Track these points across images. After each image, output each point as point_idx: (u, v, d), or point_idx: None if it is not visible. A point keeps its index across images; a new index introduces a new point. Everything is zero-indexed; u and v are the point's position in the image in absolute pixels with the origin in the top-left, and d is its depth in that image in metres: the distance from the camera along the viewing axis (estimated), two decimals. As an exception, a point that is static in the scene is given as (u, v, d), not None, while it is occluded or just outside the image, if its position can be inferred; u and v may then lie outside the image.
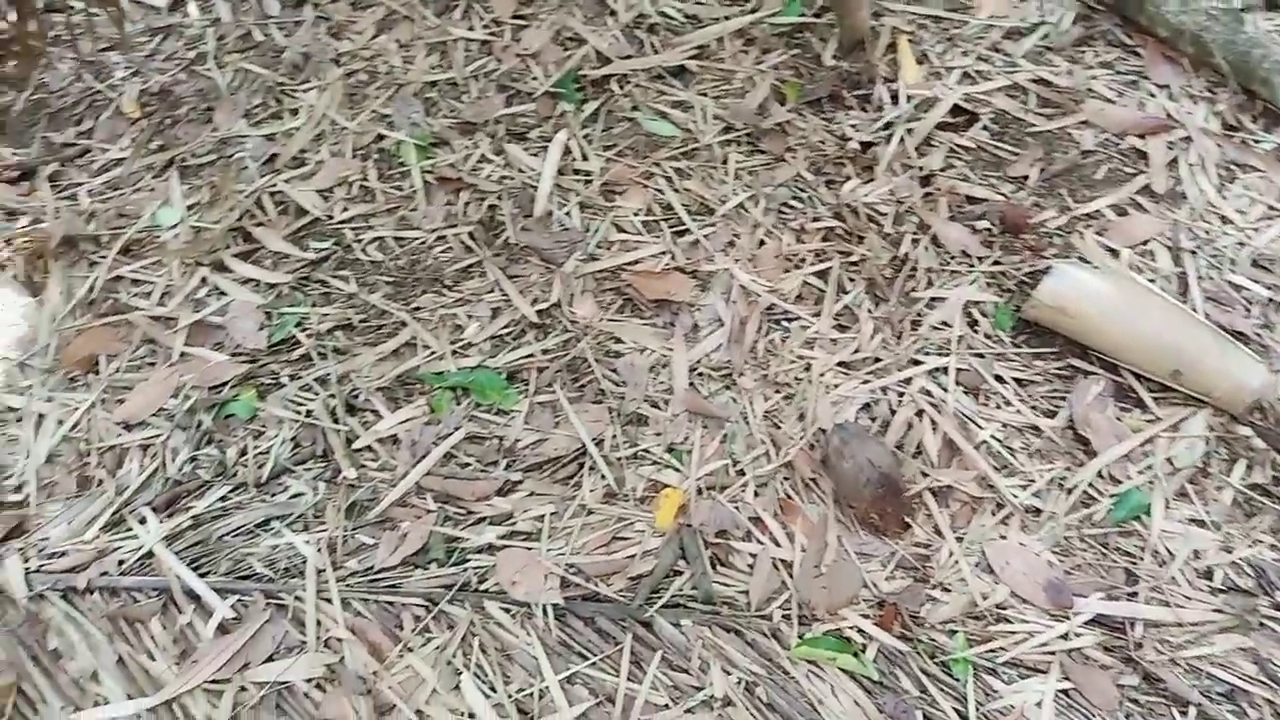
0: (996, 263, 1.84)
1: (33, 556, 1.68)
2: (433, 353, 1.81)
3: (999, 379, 1.73)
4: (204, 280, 1.94)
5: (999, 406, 1.71)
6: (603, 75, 2.14)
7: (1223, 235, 1.84)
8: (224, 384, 1.80)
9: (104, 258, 1.98)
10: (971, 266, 1.83)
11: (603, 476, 1.66)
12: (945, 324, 1.77)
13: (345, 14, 2.33)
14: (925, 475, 1.62)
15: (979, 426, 1.68)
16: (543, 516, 1.63)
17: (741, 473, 1.65)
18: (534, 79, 2.16)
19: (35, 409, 1.83)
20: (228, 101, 2.20)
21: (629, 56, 2.17)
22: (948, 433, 1.66)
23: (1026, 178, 1.93)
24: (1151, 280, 1.79)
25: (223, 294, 1.92)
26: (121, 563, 1.66)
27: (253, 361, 1.83)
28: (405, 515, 1.65)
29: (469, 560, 1.60)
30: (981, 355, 1.75)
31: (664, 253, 1.90)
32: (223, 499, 1.71)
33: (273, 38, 2.32)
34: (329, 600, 1.57)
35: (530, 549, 1.59)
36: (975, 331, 1.77)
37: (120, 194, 2.09)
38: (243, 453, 1.74)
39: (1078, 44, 2.12)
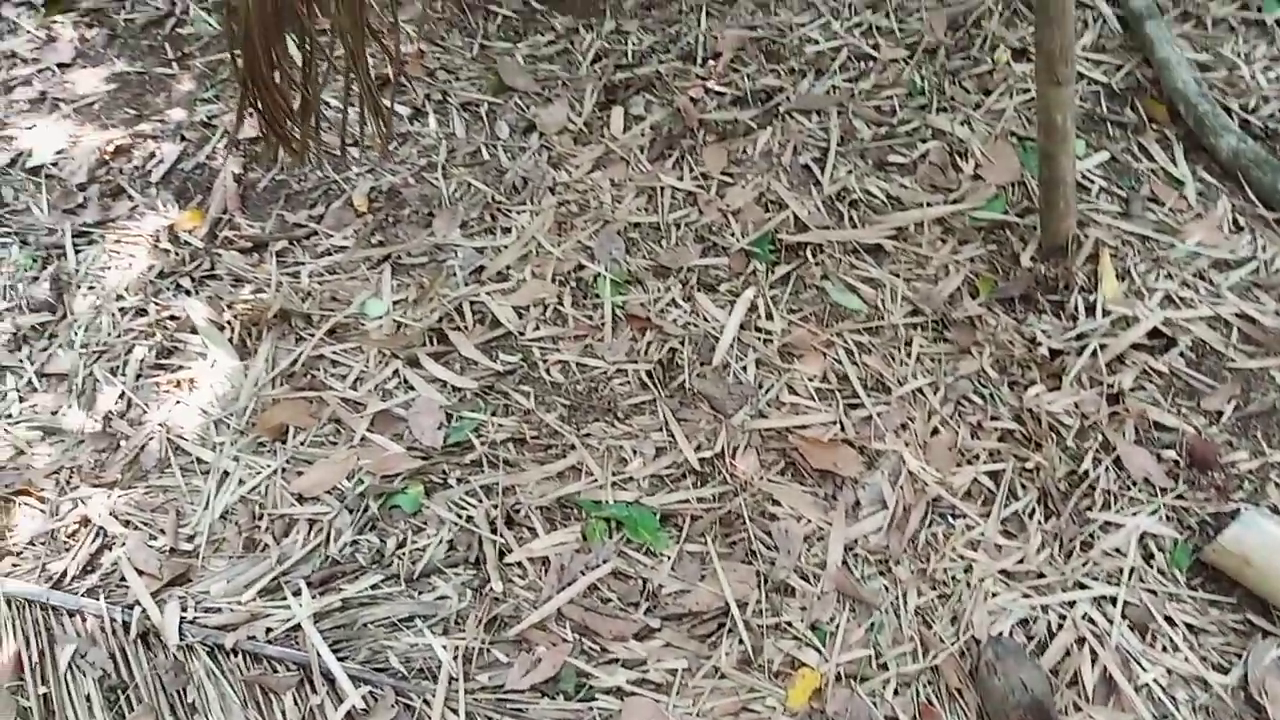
0: (1180, 496, 1.77)
1: (190, 607, 1.78)
2: (594, 480, 1.86)
3: (1169, 620, 1.65)
4: (396, 372, 2.06)
5: (1166, 650, 1.62)
6: (799, 241, 2.21)
7: None
8: (396, 475, 1.89)
9: (311, 335, 2.14)
10: (1153, 496, 1.77)
11: (741, 641, 1.65)
12: (1119, 551, 1.71)
13: (567, 147, 2.49)
14: (1079, 709, 1.54)
15: (1142, 668, 1.60)
16: (676, 670, 1.62)
17: (884, 666, 1.61)
18: (732, 235, 2.25)
19: (222, 465, 1.96)
20: (448, 210, 2.37)
21: (827, 227, 2.24)
22: (1108, 667, 1.58)
23: (1221, 414, 1.87)
24: (1350, 546, 1.68)
25: (411, 388, 2.03)
26: (269, 630, 1.73)
27: (426, 458, 1.91)
28: (542, 639, 1.67)
29: (596, 699, 1.60)
30: (1154, 592, 1.67)
31: (834, 423, 1.91)
32: (374, 587, 1.77)
33: (498, 158, 2.50)
34: (455, 711, 1.60)
35: (659, 701, 1.59)
36: (1149, 565, 1.70)
37: (337, 279, 2.26)
38: (400, 544, 1.82)
39: (1290, 285, 2.07)
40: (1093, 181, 2.31)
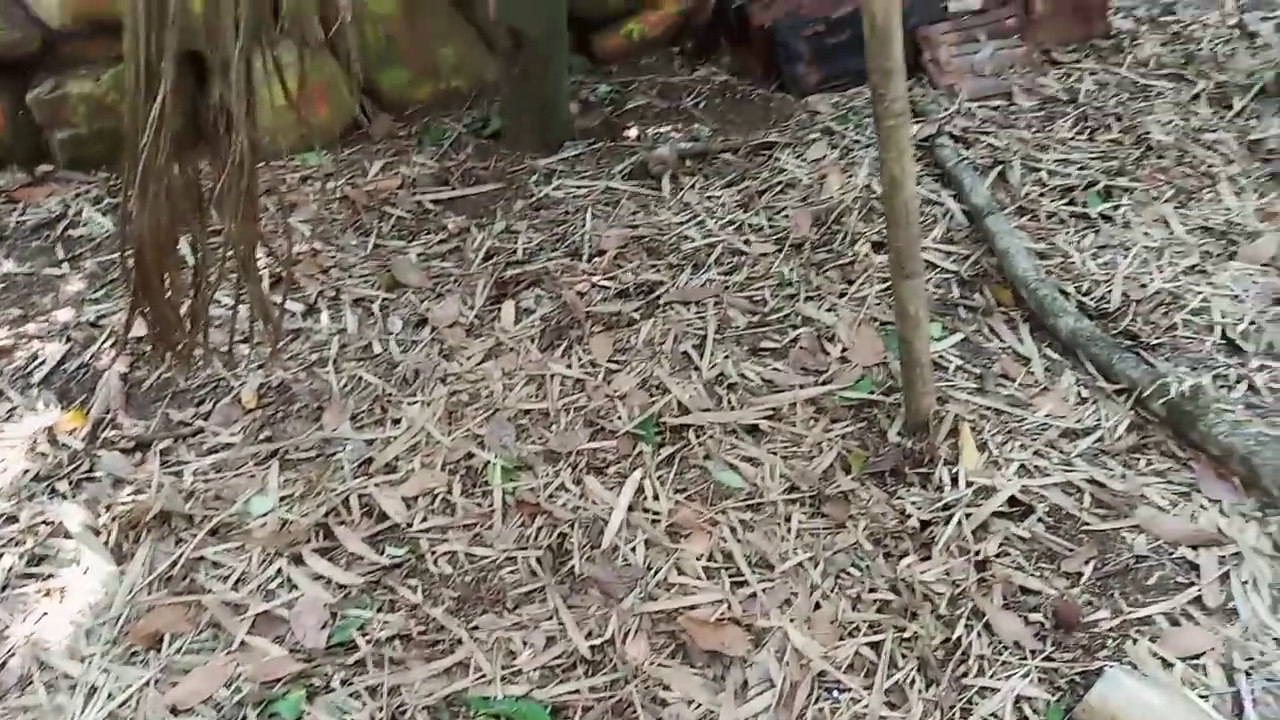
0: (1049, 658, 1.84)
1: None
2: (483, 676, 1.83)
3: (1052, 785, 1.68)
4: (279, 571, 2.03)
5: (1052, 816, 1.65)
6: (681, 423, 2.31)
7: (1278, 659, 1.83)
8: (276, 680, 1.83)
9: (193, 536, 2.10)
10: (1024, 659, 1.84)
11: (635, 835, 1.61)
12: (996, 716, 1.76)
13: (459, 339, 2.58)
14: None
15: (1030, 837, 1.61)
16: None
17: None
18: (619, 418, 2.34)
19: (91, 679, 1.87)
20: (338, 404, 2.40)
21: (707, 409, 2.35)
22: (997, 839, 1.59)
23: (1080, 575, 1.98)
24: (1204, 697, 1.77)
25: (294, 587, 2.00)
26: None
27: (309, 661, 1.87)
28: None
29: None
30: (1034, 757, 1.71)
31: (721, 602, 1.95)
32: (250, 802, 1.69)
33: (390, 352, 2.57)
34: None
35: None
36: (1027, 729, 1.75)
37: (222, 477, 2.25)
38: (280, 754, 1.74)
39: (1132, 451, 2.24)
40: (950, 361, 2.50)
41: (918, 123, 3.51)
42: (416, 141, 3.58)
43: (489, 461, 2.22)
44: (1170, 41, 4.19)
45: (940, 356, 2.50)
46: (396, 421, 2.35)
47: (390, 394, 2.43)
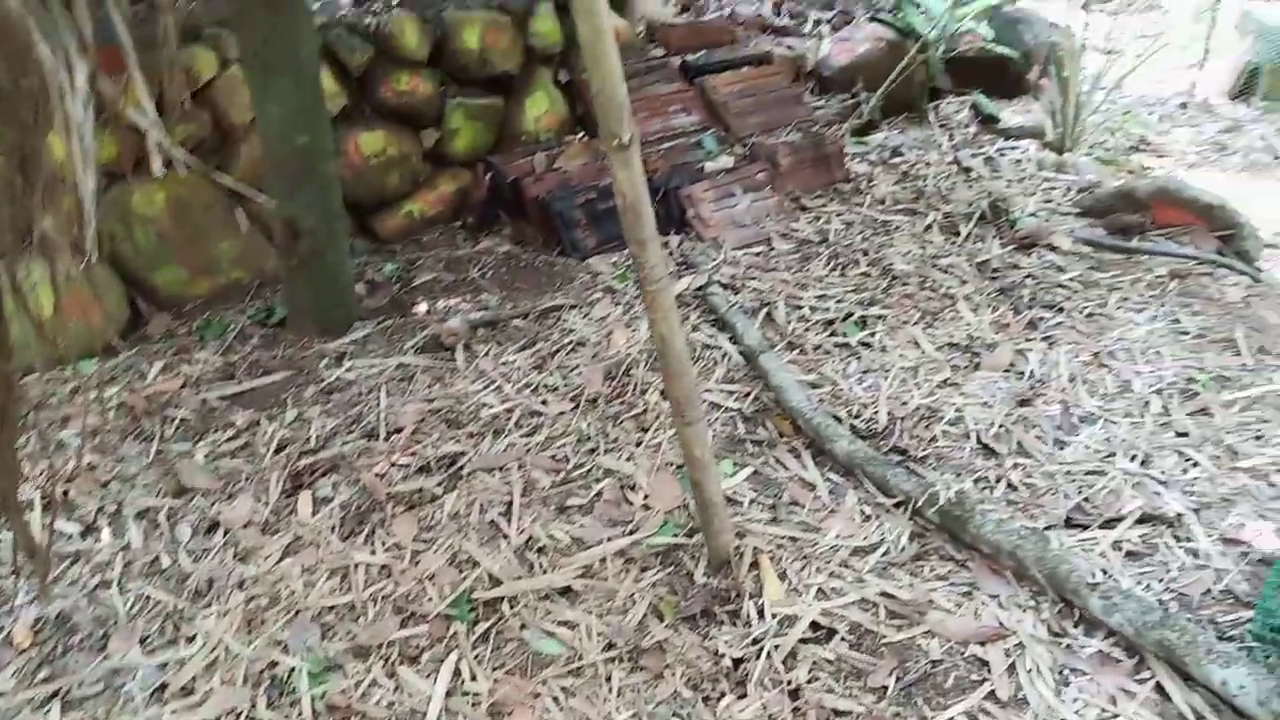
0: (870, 775, 1.92)
1: None
2: None
3: None
4: (66, 828, 1.84)
5: None
6: (494, 596, 2.30)
7: (1070, 740, 1.98)
8: None
9: (-41, 805, 1.88)
10: (847, 781, 1.91)
11: None
12: (828, 845, 1.80)
13: (254, 540, 2.49)
14: None
15: None
16: None
17: None
18: (429, 600, 2.31)
19: None
20: (125, 628, 2.25)
21: (519, 577, 2.36)
22: None
23: (886, 688, 2.09)
24: (1014, 789, 1.89)
25: (84, 843, 1.82)
26: None
27: None
28: None
29: None
30: None
31: (551, 776, 1.92)
32: None
33: (180, 563, 2.44)
34: None
35: None
36: None
37: (-8, 731, 2.04)
38: None
39: (915, 559, 2.42)
40: (744, 495, 2.63)
41: (690, 273, 3.77)
42: (198, 338, 3.50)
43: (294, 668, 2.13)
44: (901, 180, 4.74)
45: (734, 492, 2.64)
46: (191, 639, 2.22)
47: (182, 609, 2.30)
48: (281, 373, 3.26)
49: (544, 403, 3.05)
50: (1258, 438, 2.83)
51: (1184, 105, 7.34)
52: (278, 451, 2.85)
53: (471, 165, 4.43)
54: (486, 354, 3.33)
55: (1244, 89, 7.40)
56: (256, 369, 3.29)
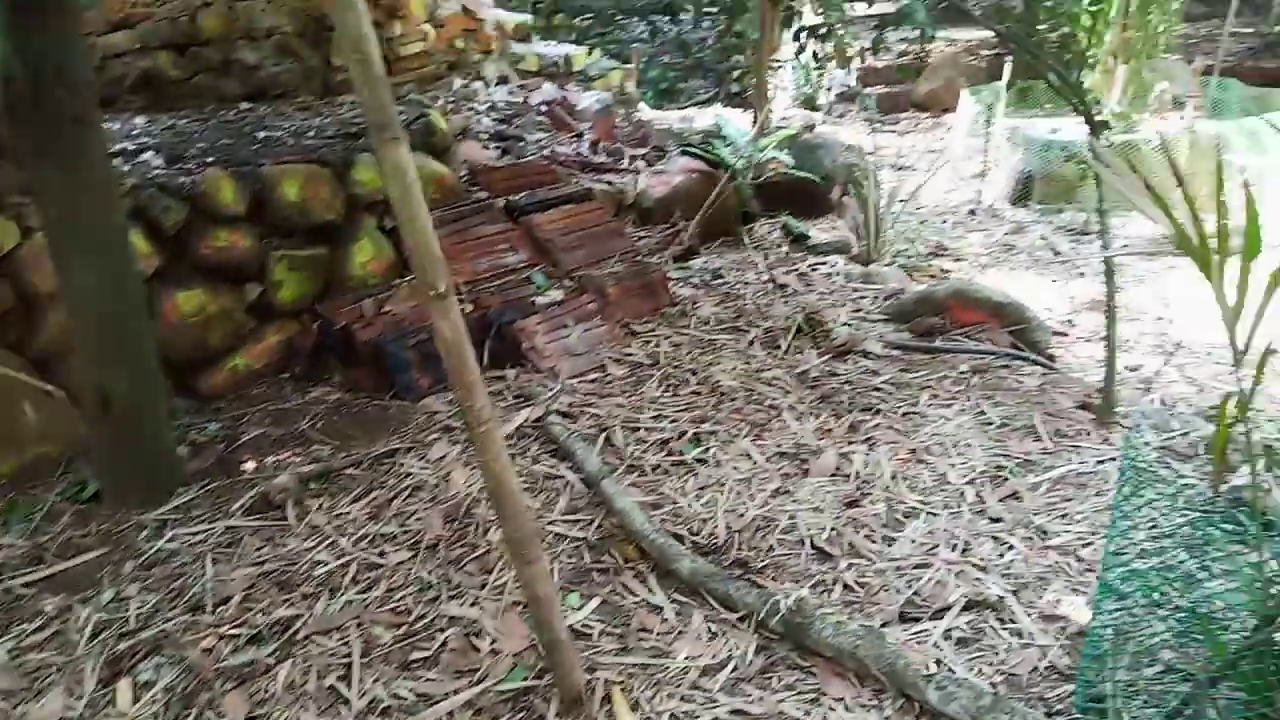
0: None
1: None
2: None
3: None
4: None
5: None
6: (336, 767, 2.19)
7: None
8: None
9: None
10: None
11: None
12: None
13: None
14: None
15: None
16: None
17: None
18: (265, 782, 2.17)
19: None
20: None
21: (362, 743, 2.25)
22: None
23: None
24: None
25: None
26: None
27: None
28: None
29: None
30: None
31: None
32: None
33: (-24, 779, 2.21)
34: None
35: None
36: None
37: None
38: None
39: (763, 672, 2.46)
40: (593, 627, 2.62)
41: (528, 405, 3.81)
42: (1, 521, 3.25)
43: None
44: (723, 301, 4.97)
45: (583, 624, 2.62)
46: None
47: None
48: (96, 550, 3.05)
49: (382, 554, 2.97)
50: (1063, 516, 3.05)
51: (973, 212, 8.07)
52: (93, 637, 2.65)
53: (298, 315, 4.37)
54: (319, 508, 3.24)
55: (1021, 194, 8.21)
56: (68, 549, 3.07)
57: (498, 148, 5.78)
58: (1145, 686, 2.25)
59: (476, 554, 2.94)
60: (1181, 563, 2.22)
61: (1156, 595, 2.25)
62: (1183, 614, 2.26)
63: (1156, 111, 8.20)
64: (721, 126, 6.22)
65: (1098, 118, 3.44)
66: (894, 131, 10.86)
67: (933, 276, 6.21)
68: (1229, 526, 2.15)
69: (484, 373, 4.07)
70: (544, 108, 6.55)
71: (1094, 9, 7.66)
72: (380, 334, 4.06)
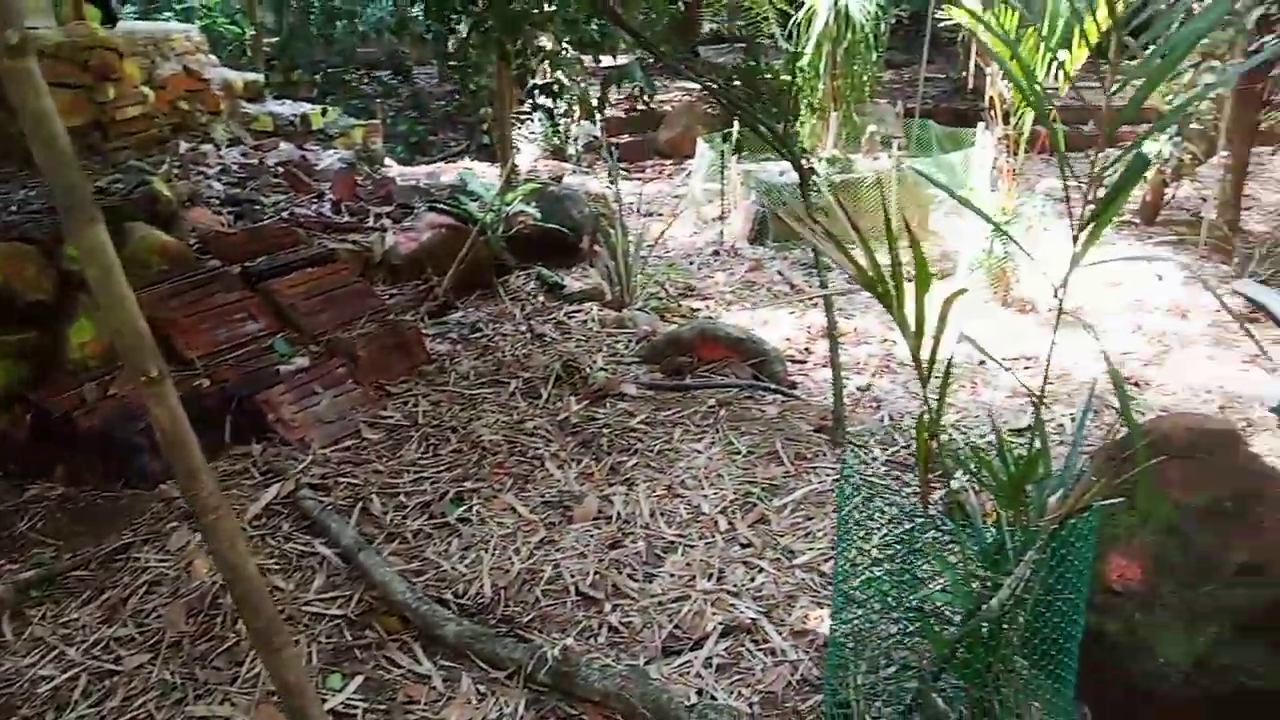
0: None
1: None
2: None
3: None
4: None
5: None
6: None
7: None
8: None
9: None
10: None
11: None
12: None
13: None
14: None
15: None
16: None
17: None
18: None
19: None
20: None
21: None
22: None
23: None
24: None
25: None
26: None
27: None
28: None
29: None
30: None
31: None
32: None
33: None
34: None
35: None
36: None
37: None
38: None
39: (534, 727, 2.46)
40: (355, 707, 2.53)
41: (277, 481, 3.63)
42: None
43: None
44: (481, 354, 4.97)
45: (345, 705, 2.53)
46: None
47: None
48: None
49: (117, 659, 2.73)
50: (806, 535, 3.27)
51: (716, 253, 8.54)
52: None
53: (9, 406, 3.96)
54: (42, 618, 2.93)
55: (759, 233, 8.77)
56: None
57: (231, 212, 5.52)
58: (884, 687, 2.46)
59: (225, 647, 2.76)
60: (907, 568, 2.44)
61: (889, 600, 2.47)
62: (910, 615, 2.49)
63: (868, 151, 9.04)
64: (467, 182, 6.26)
65: (815, 161, 3.77)
66: (640, 179, 11.31)
67: (683, 317, 6.50)
68: (941, 531, 2.40)
69: (228, 450, 3.88)
70: (281, 169, 6.33)
71: (805, 64, 8.37)
72: (105, 419, 3.75)
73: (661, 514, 3.41)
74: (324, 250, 5.22)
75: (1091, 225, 2.14)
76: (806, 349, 6.17)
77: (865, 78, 8.84)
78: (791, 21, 8.48)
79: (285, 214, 5.61)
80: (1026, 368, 5.59)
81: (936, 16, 7.32)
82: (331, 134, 7.69)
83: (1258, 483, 2.46)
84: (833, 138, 8.70)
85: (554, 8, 5.06)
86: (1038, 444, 2.22)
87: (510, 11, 4.91)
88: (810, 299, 6.93)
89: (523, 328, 5.32)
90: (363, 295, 5.01)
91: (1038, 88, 2.77)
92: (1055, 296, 2.14)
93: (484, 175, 8.06)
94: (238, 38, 12.18)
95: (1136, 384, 5.55)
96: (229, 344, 4.35)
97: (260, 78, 8.18)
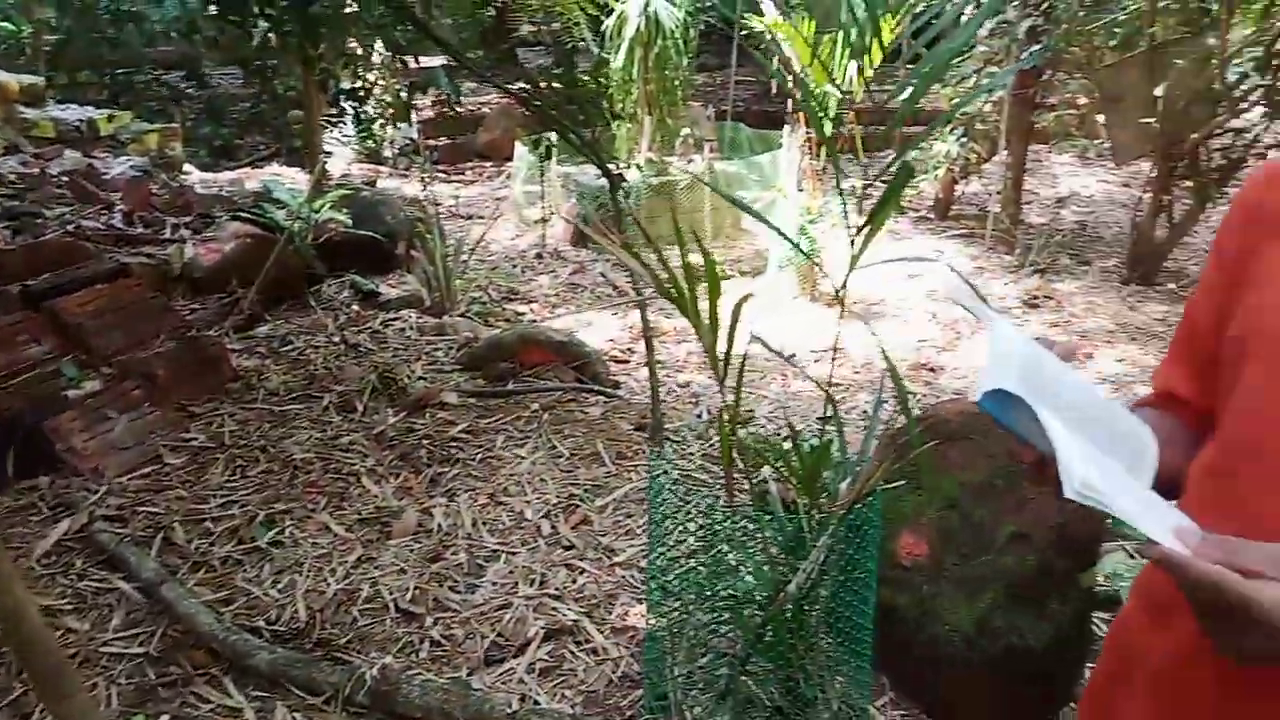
0: None
1: None
2: None
3: None
4: None
5: None
6: None
7: None
8: None
9: None
10: None
11: None
12: None
13: None
14: None
15: None
16: None
17: None
18: None
19: None
20: None
21: None
22: None
23: None
24: None
25: None
26: None
27: None
28: None
29: None
30: None
31: None
32: None
33: None
34: None
35: None
36: None
37: None
38: None
39: (353, 750, 2.42)
40: (157, 749, 2.41)
41: (68, 515, 3.40)
42: None
43: None
44: (292, 368, 4.79)
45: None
46: None
47: None
48: None
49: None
50: (626, 533, 3.34)
51: (539, 255, 8.55)
52: None
53: None
54: None
55: (581, 236, 8.84)
56: None
57: (9, 227, 5.10)
58: (700, 676, 2.55)
59: (9, 699, 2.57)
60: (717, 559, 2.54)
61: (705, 590, 2.56)
62: (722, 603, 2.59)
63: (683, 154, 9.27)
64: (272, 189, 6.01)
65: (629, 166, 3.84)
66: (460, 181, 11.16)
67: (507, 321, 6.48)
68: (748, 520, 2.51)
69: (12, 485, 3.59)
70: (65, 178, 5.89)
71: (618, 69, 8.51)
72: None
73: (484, 523, 3.40)
74: (115, 265, 4.89)
75: (867, 228, 2.30)
76: (629, 349, 6.28)
77: (678, 82, 9.05)
78: (603, 26, 8.59)
79: (71, 227, 5.23)
80: (834, 359, 5.89)
81: (743, 22, 7.59)
82: (123, 140, 7.21)
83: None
84: (647, 141, 8.87)
85: (357, 10, 4.93)
86: (831, 433, 2.37)
87: (310, 15, 4.75)
88: (630, 302, 7.05)
89: (336, 339, 5.17)
90: (160, 312, 4.73)
91: (830, 89, 2.95)
92: (836, 295, 2.28)
93: (294, 181, 7.78)
94: (13, 35, 11.19)
95: (932, 369, 5.95)
96: (9, 369, 4.01)
97: (40, 80, 7.57)
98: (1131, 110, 7.29)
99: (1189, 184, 7.45)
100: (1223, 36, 6.85)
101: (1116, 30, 7.50)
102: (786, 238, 3.34)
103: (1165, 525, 0.88)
